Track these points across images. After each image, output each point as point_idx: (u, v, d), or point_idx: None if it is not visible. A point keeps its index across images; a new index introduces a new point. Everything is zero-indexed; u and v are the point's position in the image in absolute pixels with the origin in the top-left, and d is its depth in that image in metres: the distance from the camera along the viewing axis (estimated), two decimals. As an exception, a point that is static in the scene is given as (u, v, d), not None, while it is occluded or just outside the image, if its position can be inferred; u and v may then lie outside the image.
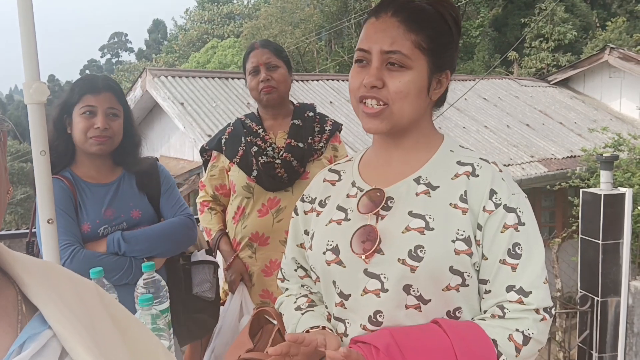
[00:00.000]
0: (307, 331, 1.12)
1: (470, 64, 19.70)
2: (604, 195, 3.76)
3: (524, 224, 1.05)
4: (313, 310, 1.19)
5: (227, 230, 2.21)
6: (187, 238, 1.92)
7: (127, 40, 57.73)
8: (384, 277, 1.05)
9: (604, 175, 3.91)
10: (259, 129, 2.15)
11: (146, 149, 1.99)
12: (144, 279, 1.35)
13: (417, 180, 1.10)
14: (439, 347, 0.99)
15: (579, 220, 4.03)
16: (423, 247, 1.03)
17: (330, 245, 1.12)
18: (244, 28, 25.38)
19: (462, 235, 1.04)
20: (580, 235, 3.96)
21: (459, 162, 1.11)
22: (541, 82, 12.55)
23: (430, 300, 1.04)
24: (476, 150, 1.23)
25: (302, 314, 1.18)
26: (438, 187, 1.09)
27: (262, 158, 2.07)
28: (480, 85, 10.38)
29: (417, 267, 1.02)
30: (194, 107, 7.80)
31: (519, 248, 1.04)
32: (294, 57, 20.34)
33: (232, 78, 9.07)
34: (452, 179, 1.09)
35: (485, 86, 11.13)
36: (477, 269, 1.06)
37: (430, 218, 1.05)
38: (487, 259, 1.05)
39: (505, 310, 1.03)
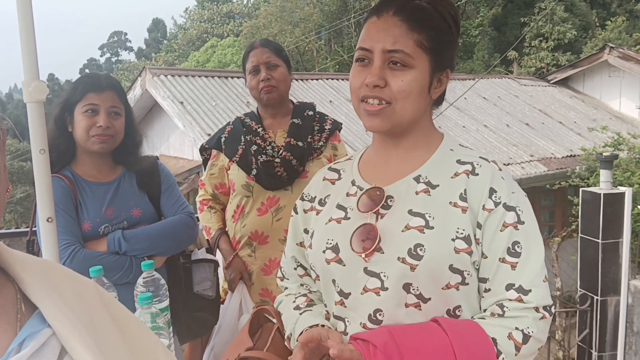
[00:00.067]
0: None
1: (470, 63, 19.70)
2: (604, 194, 3.75)
3: (523, 223, 1.05)
4: (311, 310, 1.19)
5: (226, 229, 2.21)
6: (188, 236, 1.92)
7: (126, 40, 57.69)
8: (384, 276, 1.05)
9: (604, 175, 3.91)
10: (259, 127, 2.15)
11: (146, 148, 1.99)
12: (143, 278, 1.35)
13: (417, 179, 1.10)
14: (438, 346, 0.99)
15: (579, 220, 4.03)
16: (423, 246, 1.03)
17: (330, 243, 1.12)
18: (243, 27, 25.34)
19: (462, 233, 1.04)
20: (579, 234, 3.95)
21: (458, 161, 1.11)
22: (541, 82, 12.54)
23: (430, 298, 1.04)
24: (476, 149, 1.23)
25: (301, 313, 1.18)
26: (438, 185, 1.09)
27: (261, 157, 2.07)
28: (480, 84, 10.37)
29: (417, 265, 1.02)
30: (193, 106, 7.79)
31: (518, 246, 1.04)
32: (294, 56, 20.32)
33: (232, 77, 9.06)
34: (451, 177, 1.09)
35: (485, 85, 11.12)
36: (477, 267, 1.06)
37: (430, 217, 1.05)
38: (486, 257, 1.05)
39: (505, 309, 1.03)
